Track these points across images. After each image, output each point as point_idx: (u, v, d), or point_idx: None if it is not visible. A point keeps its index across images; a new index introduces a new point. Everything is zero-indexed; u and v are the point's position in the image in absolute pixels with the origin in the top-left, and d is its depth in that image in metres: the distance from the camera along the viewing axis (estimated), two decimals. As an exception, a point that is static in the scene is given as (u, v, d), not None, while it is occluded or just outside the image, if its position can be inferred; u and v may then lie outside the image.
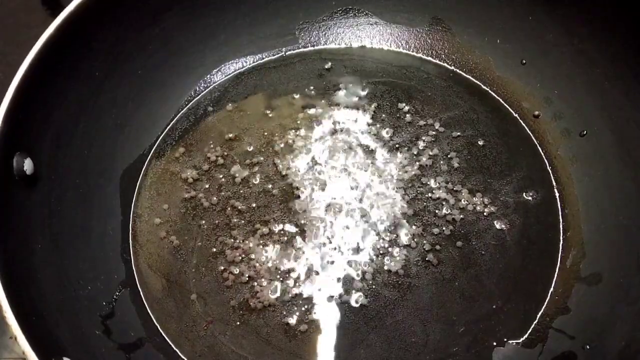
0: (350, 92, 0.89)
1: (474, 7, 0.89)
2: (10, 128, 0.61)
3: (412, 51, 0.93)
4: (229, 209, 0.80)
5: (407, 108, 0.87)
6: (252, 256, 0.76)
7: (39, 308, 0.61)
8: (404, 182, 0.81)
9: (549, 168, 0.82)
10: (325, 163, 0.83)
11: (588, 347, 0.68)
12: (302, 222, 0.78)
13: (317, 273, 0.75)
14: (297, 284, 0.74)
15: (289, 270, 0.75)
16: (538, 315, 0.72)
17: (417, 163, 0.82)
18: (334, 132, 0.85)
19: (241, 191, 0.81)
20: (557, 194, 0.80)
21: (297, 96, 0.89)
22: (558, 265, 0.75)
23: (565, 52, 0.83)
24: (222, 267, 0.76)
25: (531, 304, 0.73)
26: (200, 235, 0.78)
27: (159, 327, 0.73)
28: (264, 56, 0.93)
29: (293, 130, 0.86)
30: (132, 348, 0.70)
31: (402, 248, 0.76)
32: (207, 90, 0.90)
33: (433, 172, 0.82)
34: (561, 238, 0.77)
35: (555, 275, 0.75)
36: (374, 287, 0.74)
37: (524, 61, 0.87)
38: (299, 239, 0.77)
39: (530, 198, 0.80)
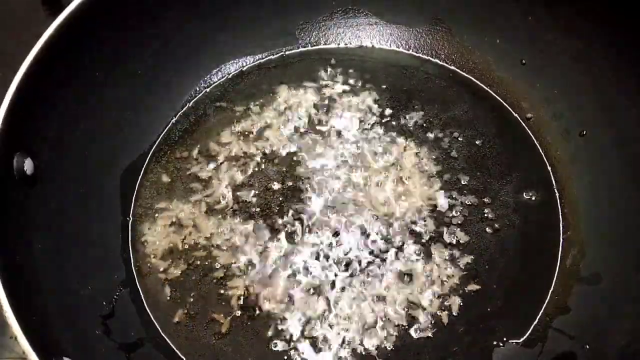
0: (350, 92, 0.89)
1: (474, 7, 0.89)
2: (10, 128, 0.61)
3: (412, 51, 0.93)
4: (229, 208, 0.80)
5: (407, 108, 0.87)
6: (253, 256, 0.76)
7: (39, 308, 0.61)
8: (403, 182, 0.81)
9: (548, 168, 0.82)
10: (325, 162, 0.83)
11: (588, 347, 0.68)
12: (303, 223, 0.78)
13: (315, 278, 0.75)
14: (298, 285, 0.74)
15: (290, 272, 0.75)
16: (538, 315, 0.72)
17: (417, 163, 0.82)
18: (333, 132, 0.85)
19: (242, 191, 0.81)
20: (556, 194, 0.80)
21: (296, 96, 0.89)
22: (558, 265, 0.75)
23: (565, 52, 0.83)
24: (223, 267, 0.76)
25: (531, 304, 0.73)
26: (200, 234, 0.78)
27: (158, 327, 0.73)
28: (264, 56, 0.93)
29: (293, 130, 0.86)
30: (132, 348, 0.70)
31: (400, 248, 0.76)
32: (207, 90, 0.90)
33: (432, 172, 0.82)
34: (561, 238, 0.77)
35: (555, 275, 0.75)
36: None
37: (524, 61, 0.87)
38: (300, 240, 0.77)
39: (530, 198, 0.80)
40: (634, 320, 0.67)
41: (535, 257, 0.76)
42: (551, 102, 0.85)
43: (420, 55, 0.93)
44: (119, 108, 0.81)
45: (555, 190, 0.81)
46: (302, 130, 0.86)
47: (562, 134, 0.83)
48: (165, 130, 0.87)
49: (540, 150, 0.84)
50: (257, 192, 0.81)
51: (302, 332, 0.72)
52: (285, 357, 0.71)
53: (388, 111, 0.87)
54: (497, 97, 0.89)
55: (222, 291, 0.74)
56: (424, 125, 0.86)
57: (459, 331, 0.71)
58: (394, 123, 0.86)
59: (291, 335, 0.72)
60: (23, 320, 0.54)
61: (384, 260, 0.75)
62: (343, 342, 0.71)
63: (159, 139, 0.86)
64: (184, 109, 0.89)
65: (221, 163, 0.83)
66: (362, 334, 0.71)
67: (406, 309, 0.72)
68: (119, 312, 0.71)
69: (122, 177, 0.81)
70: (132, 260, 0.77)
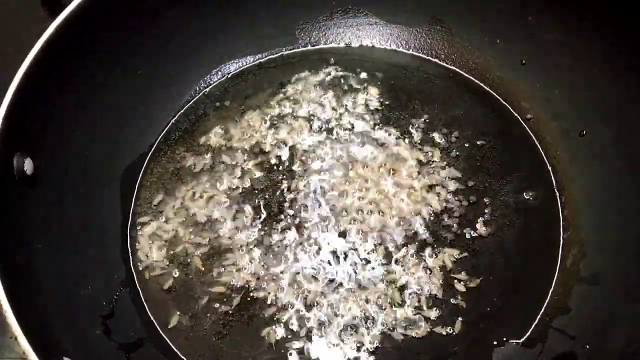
0: (350, 92, 0.89)
1: (474, 7, 0.89)
2: (10, 128, 0.61)
3: (412, 51, 0.93)
4: (230, 208, 0.80)
5: (407, 108, 0.87)
6: (254, 256, 0.76)
7: (39, 308, 0.61)
8: (403, 182, 0.81)
9: (549, 168, 0.82)
10: (325, 162, 0.83)
11: (588, 347, 0.68)
12: (304, 222, 0.78)
13: (315, 278, 0.75)
14: (299, 284, 0.74)
15: (292, 271, 0.75)
16: (538, 315, 0.72)
17: (417, 163, 0.82)
18: (333, 132, 0.85)
19: (242, 190, 0.81)
20: (557, 194, 0.80)
21: (296, 96, 0.89)
22: (558, 265, 0.75)
23: (565, 52, 0.83)
24: (223, 267, 0.76)
25: (531, 304, 0.73)
26: (200, 234, 0.78)
27: (158, 327, 0.73)
28: (264, 56, 0.93)
29: (293, 130, 0.86)
30: (132, 348, 0.70)
31: (400, 248, 0.76)
32: (207, 90, 0.90)
33: (433, 171, 0.82)
34: (561, 238, 0.77)
35: (555, 275, 0.75)
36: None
37: (524, 61, 0.87)
38: (300, 239, 0.77)
39: (530, 198, 0.80)
40: (634, 320, 0.67)
41: (535, 257, 0.76)
42: (551, 102, 0.85)
43: (420, 55, 0.93)
44: (119, 108, 0.81)
45: (555, 190, 0.81)
46: (302, 129, 0.86)
47: (562, 134, 0.83)
48: (165, 130, 0.87)
49: (540, 150, 0.84)
50: (257, 191, 0.81)
51: (303, 331, 0.72)
52: (286, 357, 0.71)
53: (388, 111, 0.87)
54: (497, 97, 0.89)
55: (222, 291, 0.74)
56: (424, 125, 0.86)
57: (458, 331, 0.71)
58: (394, 123, 0.86)
59: (292, 335, 0.72)
60: (23, 320, 0.54)
61: (384, 260, 0.75)
62: (343, 341, 0.71)
63: (159, 139, 0.86)
64: (184, 109, 0.89)
65: (221, 163, 0.83)
66: (362, 333, 0.71)
67: (406, 309, 0.72)
68: (119, 312, 0.71)
69: (122, 177, 0.81)
70: (132, 260, 0.77)
